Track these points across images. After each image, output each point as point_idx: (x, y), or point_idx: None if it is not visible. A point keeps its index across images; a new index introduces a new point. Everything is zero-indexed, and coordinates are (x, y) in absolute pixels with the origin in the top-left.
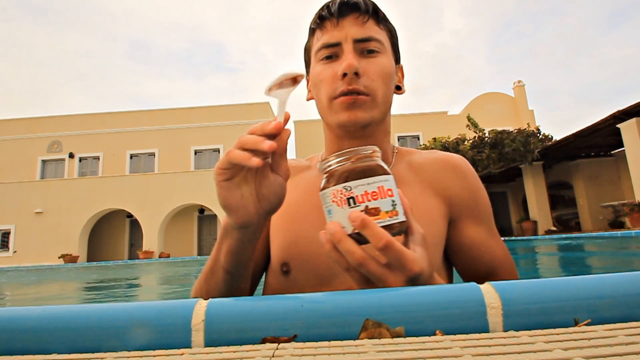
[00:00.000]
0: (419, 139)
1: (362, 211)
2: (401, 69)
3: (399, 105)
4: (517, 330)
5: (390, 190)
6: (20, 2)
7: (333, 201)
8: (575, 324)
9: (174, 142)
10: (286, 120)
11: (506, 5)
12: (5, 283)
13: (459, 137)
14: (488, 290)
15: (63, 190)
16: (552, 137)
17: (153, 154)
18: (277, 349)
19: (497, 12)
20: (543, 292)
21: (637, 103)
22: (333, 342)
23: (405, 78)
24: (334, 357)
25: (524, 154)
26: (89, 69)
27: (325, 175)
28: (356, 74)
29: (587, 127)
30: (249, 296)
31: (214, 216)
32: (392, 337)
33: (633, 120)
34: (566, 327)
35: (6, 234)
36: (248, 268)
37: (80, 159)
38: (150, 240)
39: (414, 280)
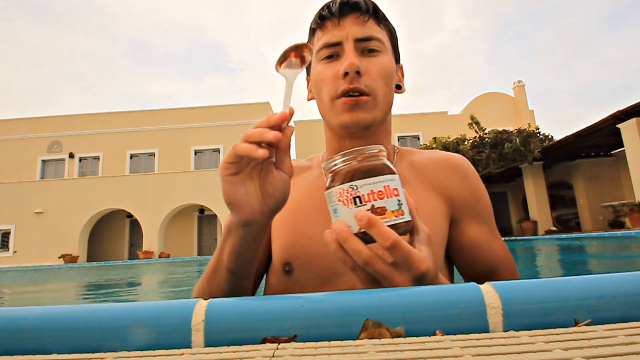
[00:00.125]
0: (419, 139)
1: (368, 210)
2: (401, 68)
3: (399, 105)
4: (517, 330)
5: (396, 189)
6: (20, 2)
7: (339, 200)
8: (575, 324)
9: (174, 142)
10: (291, 114)
11: (506, 5)
12: (6, 283)
13: (459, 137)
14: (488, 290)
15: (63, 190)
16: (552, 137)
17: (153, 154)
18: (277, 349)
19: (497, 12)
20: (543, 292)
21: (637, 103)
22: (333, 342)
23: (405, 78)
24: (334, 357)
25: (524, 154)
26: (89, 69)
27: (330, 174)
28: (358, 72)
29: (587, 127)
30: (250, 296)
31: (214, 216)
32: (392, 337)
33: (633, 120)
34: (566, 327)
35: (6, 234)
36: (251, 268)
37: (80, 159)
38: (150, 240)
39: (420, 279)
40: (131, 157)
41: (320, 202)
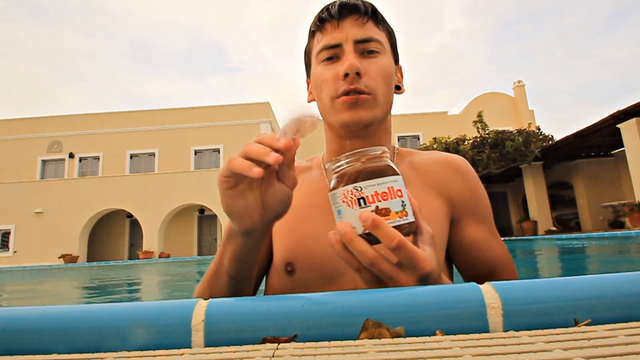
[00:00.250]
0: (419, 139)
1: (372, 211)
2: (400, 69)
3: (399, 105)
4: (517, 331)
5: (399, 190)
6: (20, 2)
7: (343, 201)
8: (575, 324)
9: (174, 142)
10: (296, 145)
11: (506, 5)
12: (6, 283)
13: (459, 137)
14: (488, 290)
15: (63, 190)
16: (552, 137)
17: (153, 154)
18: (277, 349)
19: (497, 12)
20: (543, 292)
21: (637, 103)
22: (333, 342)
23: (404, 78)
24: (334, 357)
25: (524, 154)
26: (89, 69)
27: (335, 176)
28: (358, 74)
29: (587, 127)
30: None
31: (214, 216)
32: (392, 337)
33: (633, 120)
34: (566, 327)
35: (6, 234)
36: (252, 272)
37: (80, 159)
38: (150, 240)
39: (425, 279)
40: (131, 157)
41: (322, 203)
